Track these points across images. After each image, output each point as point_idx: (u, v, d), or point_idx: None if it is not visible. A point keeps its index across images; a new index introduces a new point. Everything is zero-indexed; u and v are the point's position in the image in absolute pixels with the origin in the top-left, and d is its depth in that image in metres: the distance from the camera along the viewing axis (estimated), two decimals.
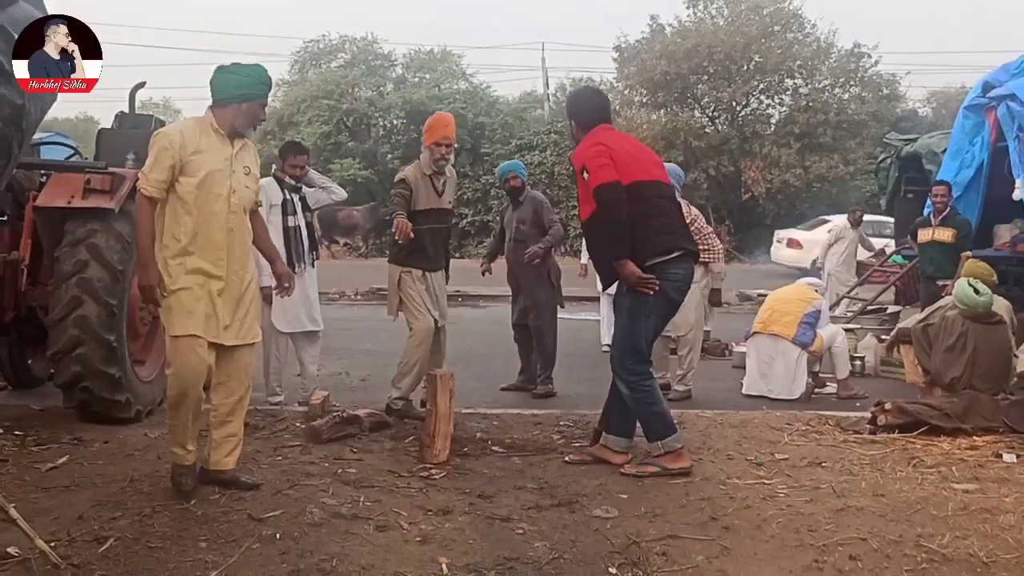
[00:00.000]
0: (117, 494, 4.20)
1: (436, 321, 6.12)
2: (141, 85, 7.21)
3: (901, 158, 14.04)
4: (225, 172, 4.09)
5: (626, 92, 29.78)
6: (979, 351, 5.89)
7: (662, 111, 28.42)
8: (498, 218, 8.84)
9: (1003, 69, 9.90)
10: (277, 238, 6.22)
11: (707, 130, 28.33)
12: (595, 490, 4.39)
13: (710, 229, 7.66)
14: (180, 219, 4.03)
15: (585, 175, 4.59)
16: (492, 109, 32.91)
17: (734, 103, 27.92)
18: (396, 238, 5.86)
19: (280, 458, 4.81)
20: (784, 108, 28.15)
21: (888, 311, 10.44)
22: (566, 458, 4.95)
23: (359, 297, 17.21)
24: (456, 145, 6.34)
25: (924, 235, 8.96)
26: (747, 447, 5.17)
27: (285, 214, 6.36)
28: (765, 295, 10.54)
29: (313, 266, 6.59)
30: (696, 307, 7.33)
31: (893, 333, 8.12)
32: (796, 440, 5.37)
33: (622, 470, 4.69)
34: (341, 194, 6.98)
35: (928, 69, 53.62)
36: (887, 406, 5.46)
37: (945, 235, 8.69)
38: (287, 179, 6.47)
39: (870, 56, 27.80)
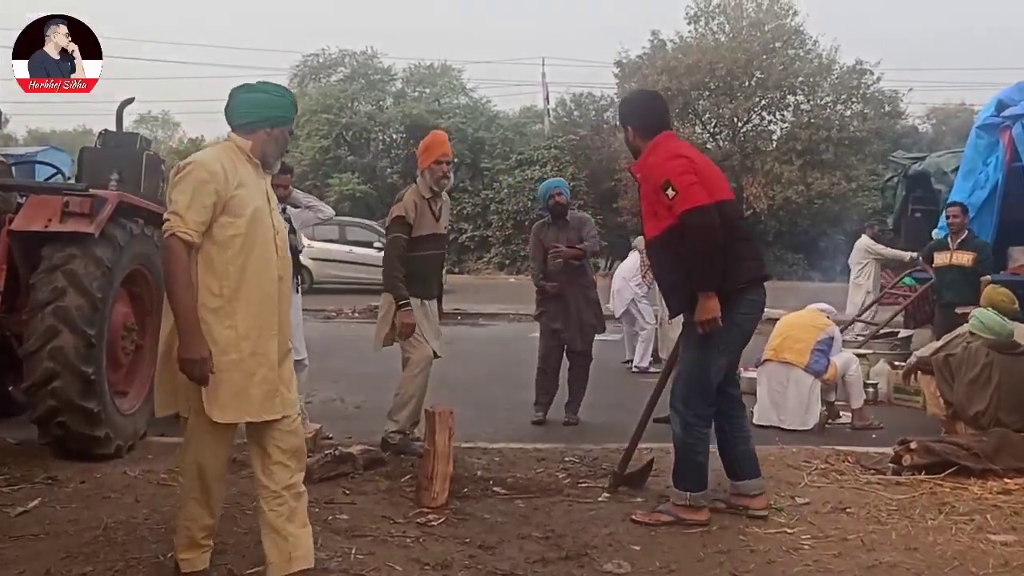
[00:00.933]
0: (89, 544, 3.89)
1: (435, 351, 5.85)
2: (129, 101, 6.92)
3: (908, 176, 13.78)
4: (265, 209, 3.39)
5: None
6: (1004, 383, 5.59)
7: None
8: (527, 236, 8.20)
9: (1017, 87, 9.62)
10: None
11: (708, 146, 28.11)
12: (605, 540, 4.08)
13: None
14: (220, 269, 3.24)
15: (669, 192, 4.10)
16: (492, 124, 32.76)
17: (735, 119, 27.75)
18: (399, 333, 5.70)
19: None
20: (786, 124, 27.98)
21: (900, 335, 10.14)
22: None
23: (357, 315, 16.89)
24: (456, 159, 6.06)
25: (941, 259, 8.64)
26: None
27: None
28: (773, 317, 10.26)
29: (298, 291, 6.27)
30: None
31: (910, 360, 7.82)
32: (816, 481, 5.06)
33: (633, 517, 4.37)
34: (328, 212, 6.67)
35: (927, 86, 53.46)
36: (912, 445, 5.15)
37: (964, 259, 8.38)
38: None
39: (872, 73, 27.65)
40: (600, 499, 4.72)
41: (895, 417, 7.51)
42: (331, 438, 6.12)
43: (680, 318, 7.11)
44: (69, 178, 6.58)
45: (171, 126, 52.96)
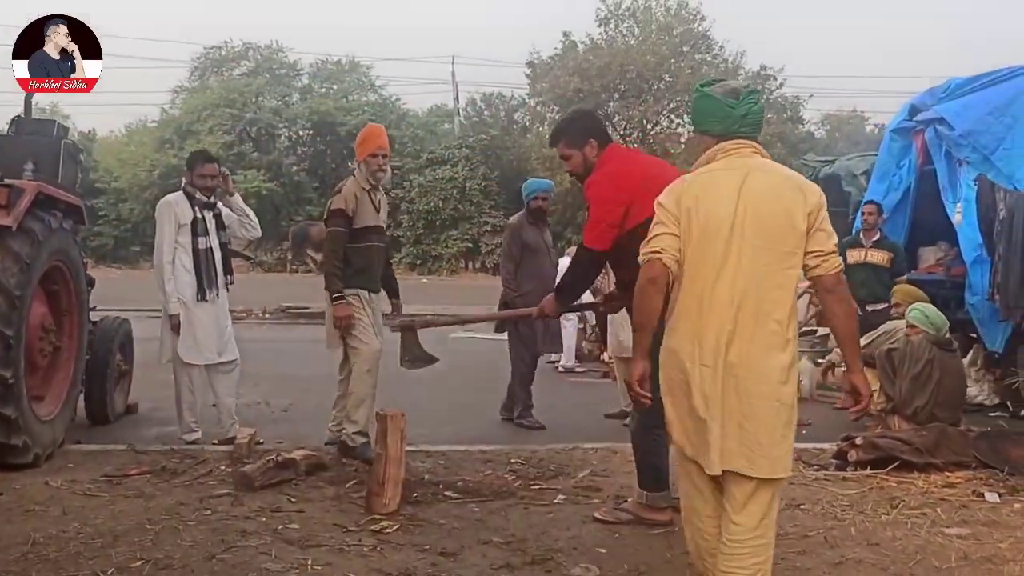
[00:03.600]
0: (18, 561, 3.59)
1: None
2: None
3: (819, 179, 14.16)
4: None
5: (538, 108, 29.74)
6: (943, 380, 5.73)
7: None
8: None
9: (929, 93, 9.94)
10: (187, 261, 5.77)
11: None
12: (569, 543, 3.97)
13: None
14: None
15: (586, 214, 4.25)
16: (402, 122, 32.47)
17: (645, 122, 28.14)
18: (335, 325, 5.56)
19: (208, 512, 4.24)
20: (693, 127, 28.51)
21: (818, 333, 10.36)
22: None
23: (268, 316, 16.45)
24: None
25: (854, 256, 8.79)
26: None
27: (195, 235, 5.81)
28: None
29: (228, 289, 6.07)
30: None
31: (829, 357, 7.98)
32: None
33: (596, 515, 4.30)
34: (256, 233, 6.37)
35: (820, 92, 55.37)
36: (857, 441, 5.22)
37: (880, 258, 8.58)
38: (198, 194, 5.89)
39: (775, 79, 28.44)
40: (556, 501, 4.61)
41: (819, 413, 7.66)
42: (262, 443, 5.89)
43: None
44: None
45: (61, 118, 50.65)
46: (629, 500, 4.39)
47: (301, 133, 32.58)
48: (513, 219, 7.44)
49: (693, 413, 2.92)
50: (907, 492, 4.75)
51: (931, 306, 6.08)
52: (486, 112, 34.90)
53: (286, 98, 33.08)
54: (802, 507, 4.53)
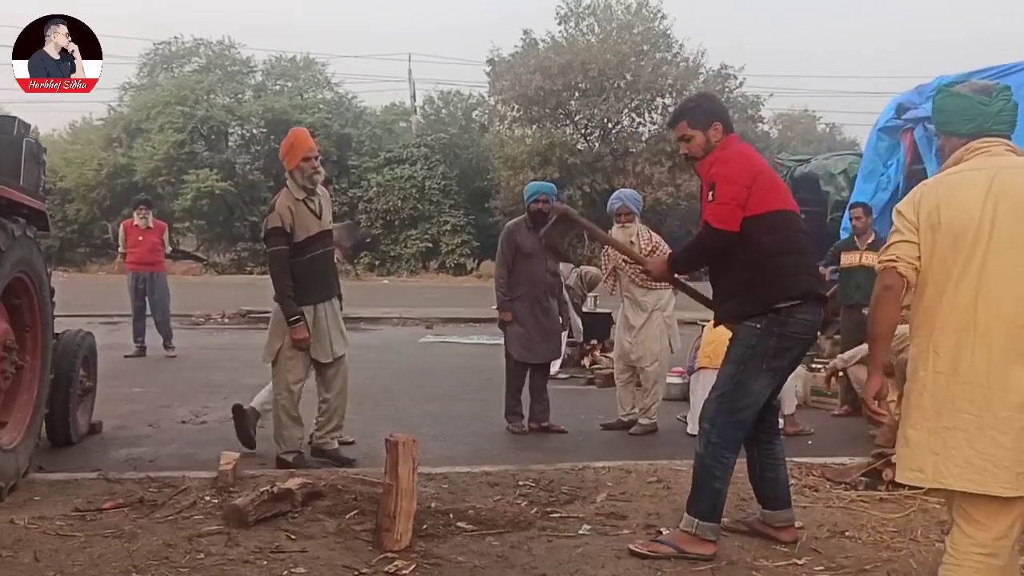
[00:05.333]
0: None
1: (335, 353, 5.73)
2: None
3: (794, 179, 14.00)
4: None
5: (498, 107, 29.36)
6: None
7: (535, 127, 28.10)
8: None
9: (917, 91, 9.77)
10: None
11: (580, 147, 28.19)
12: None
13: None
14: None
15: (711, 195, 3.89)
16: (359, 120, 31.87)
17: (606, 120, 27.91)
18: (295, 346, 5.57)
19: (201, 555, 3.77)
20: (655, 126, 28.36)
21: None
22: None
23: (227, 320, 15.84)
24: (321, 157, 5.77)
25: (850, 259, 8.59)
26: (752, 511, 4.48)
27: None
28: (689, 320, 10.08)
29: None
30: (660, 337, 7.03)
31: (833, 363, 7.74)
32: (798, 500, 4.74)
33: (631, 547, 3.92)
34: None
35: (774, 92, 56.03)
36: (893, 459, 4.90)
37: (875, 260, 8.35)
38: None
39: (735, 78, 28.42)
40: (581, 532, 4.23)
41: (816, 421, 7.47)
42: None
43: (640, 321, 6.93)
44: None
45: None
46: (670, 530, 4.03)
47: (255, 131, 31.74)
48: (511, 222, 7.13)
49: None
50: None
51: None
52: (444, 110, 34.46)
53: (239, 95, 32.21)
54: (846, 534, 4.21)
